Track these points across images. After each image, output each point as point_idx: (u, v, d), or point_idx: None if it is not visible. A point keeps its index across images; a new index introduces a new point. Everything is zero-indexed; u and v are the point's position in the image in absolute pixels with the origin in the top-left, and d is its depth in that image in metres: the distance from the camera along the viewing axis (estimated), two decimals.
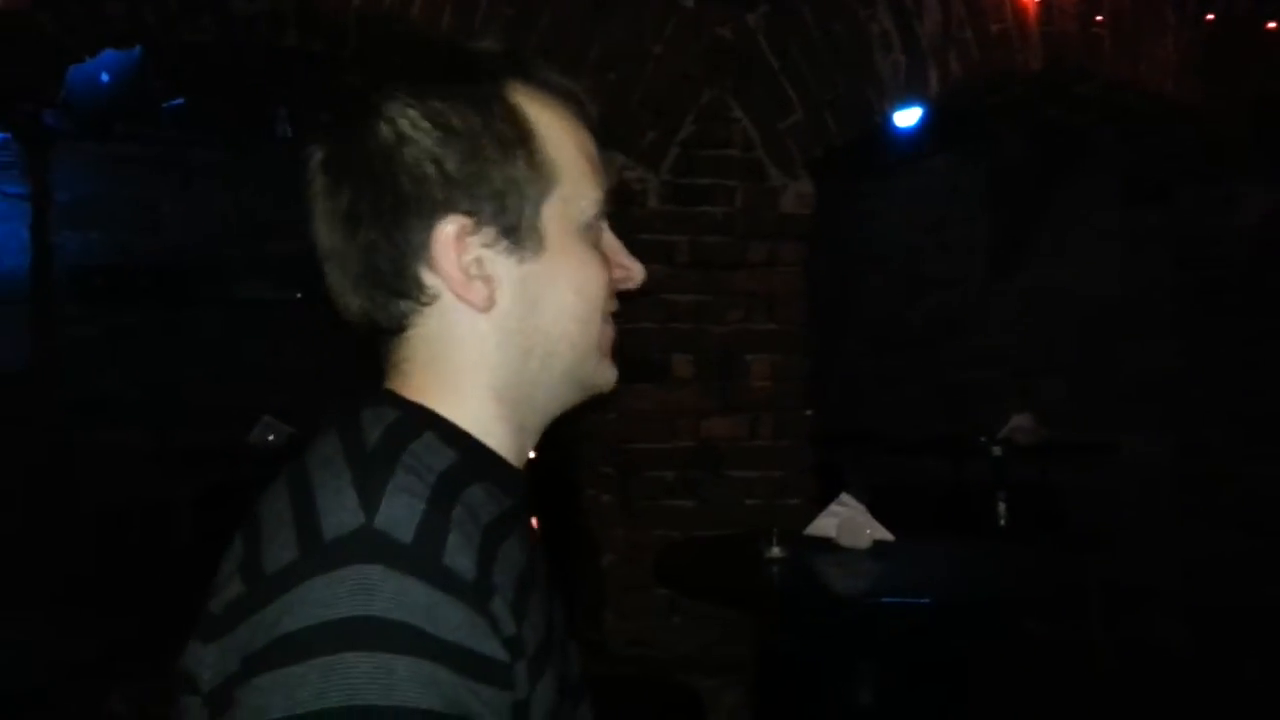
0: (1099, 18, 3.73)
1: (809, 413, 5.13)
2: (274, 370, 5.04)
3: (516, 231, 0.76)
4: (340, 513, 0.67)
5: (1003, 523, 3.96)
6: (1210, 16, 3.90)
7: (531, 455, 0.88)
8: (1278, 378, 4.07)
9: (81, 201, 4.76)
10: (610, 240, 0.84)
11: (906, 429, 5.43)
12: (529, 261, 0.77)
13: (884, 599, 2.51)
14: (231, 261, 5.41)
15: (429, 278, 0.76)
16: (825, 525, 2.78)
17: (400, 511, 0.67)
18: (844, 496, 2.81)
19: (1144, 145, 4.40)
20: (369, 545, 0.65)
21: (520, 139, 0.76)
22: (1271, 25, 3.97)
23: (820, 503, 2.89)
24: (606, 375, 0.84)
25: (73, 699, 2.15)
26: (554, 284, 0.78)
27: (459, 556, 0.66)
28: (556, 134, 0.79)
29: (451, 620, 0.64)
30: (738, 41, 3.32)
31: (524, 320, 0.78)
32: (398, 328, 0.79)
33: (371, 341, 0.81)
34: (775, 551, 2.58)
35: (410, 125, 0.75)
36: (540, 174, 0.77)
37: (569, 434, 3.33)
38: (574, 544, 3.33)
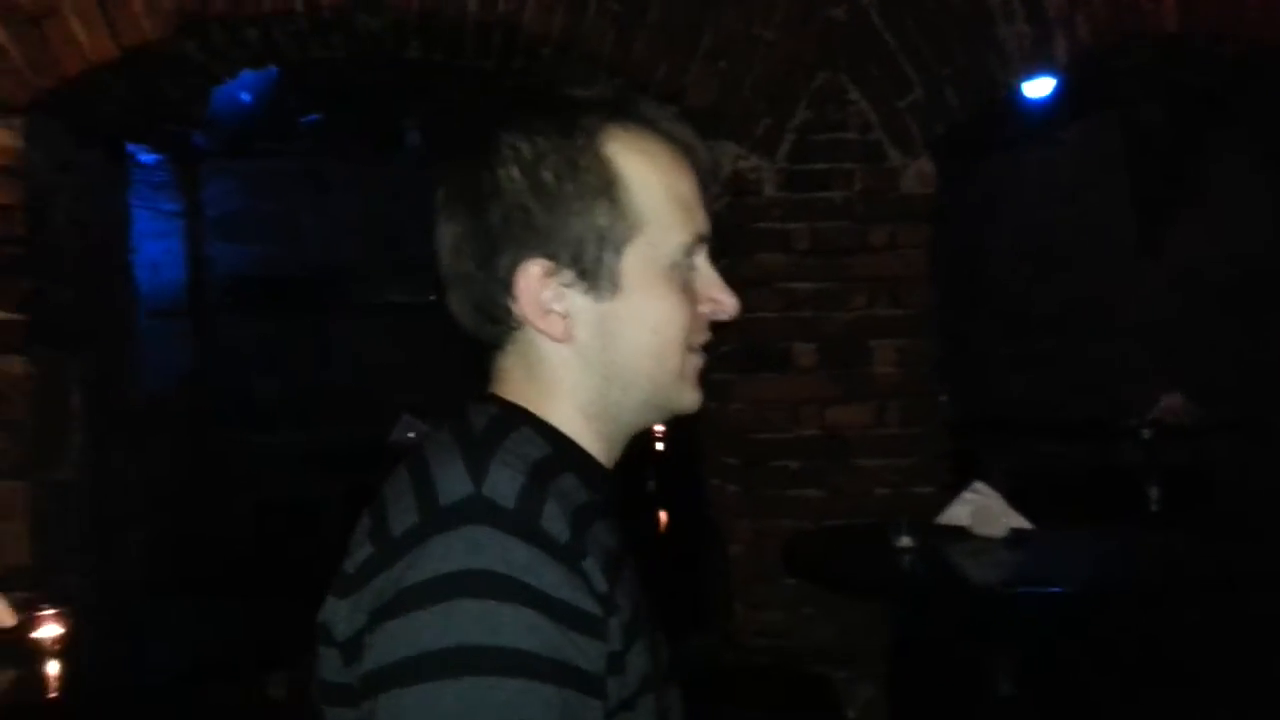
0: None
1: (943, 398, 5.03)
2: (411, 371, 5.23)
3: (594, 274, 0.84)
4: (453, 483, 0.77)
5: (1155, 509, 3.77)
6: None
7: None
8: None
9: (229, 216, 5.06)
10: (706, 275, 0.89)
11: (1046, 413, 5.23)
12: (606, 301, 0.84)
13: (1021, 588, 2.44)
14: (369, 268, 5.65)
15: (515, 308, 0.85)
16: (958, 513, 2.72)
17: (504, 482, 0.77)
18: (977, 484, 2.75)
19: None
20: (478, 509, 0.75)
21: (605, 189, 0.83)
22: None
23: (954, 491, 2.83)
24: (688, 400, 0.90)
25: (232, 686, 2.29)
26: (630, 322, 0.85)
27: (555, 522, 0.76)
28: (647, 181, 0.85)
29: (550, 575, 0.73)
30: (851, 21, 3.25)
31: (603, 353, 0.86)
32: (497, 345, 0.88)
33: (483, 350, 0.91)
34: (905, 540, 2.54)
35: (506, 175, 0.83)
36: (624, 221, 0.84)
37: (692, 426, 3.35)
38: (701, 535, 3.34)
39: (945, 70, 3.30)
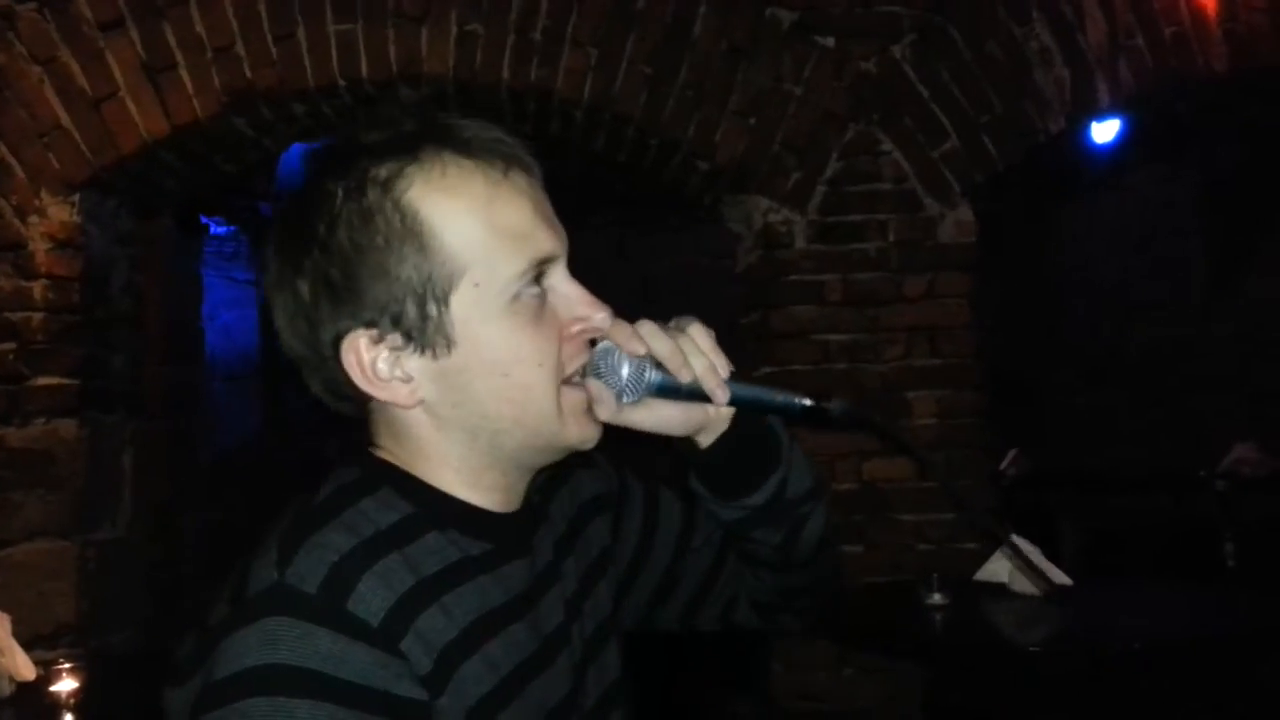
0: None
1: (1014, 453, 4.87)
2: None
3: (422, 332, 0.77)
4: (260, 570, 0.73)
5: (1230, 564, 3.57)
6: None
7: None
8: None
9: None
10: (565, 294, 0.82)
11: (1126, 465, 5.02)
12: (444, 357, 0.78)
13: (1058, 647, 2.33)
14: None
15: (354, 384, 0.79)
16: (996, 570, 2.62)
17: (310, 565, 0.72)
18: (1016, 539, 2.64)
19: None
20: (277, 598, 0.71)
21: (410, 240, 0.76)
22: None
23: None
24: (575, 436, 0.83)
25: None
26: (478, 372, 0.78)
27: (367, 603, 0.71)
28: (458, 221, 0.77)
29: (356, 662, 0.69)
30: (883, 74, 3.25)
31: (458, 408, 0.80)
32: (361, 418, 0.84)
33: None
34: (936, 598, 2.46)
35: (304, 248, 0.77)
36: (441, 269, 0.77)
37: None
38: None
39: (982, 118, 3.27)
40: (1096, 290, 5.75)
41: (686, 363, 0.86)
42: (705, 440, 0.92)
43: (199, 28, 2.94)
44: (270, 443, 4.99)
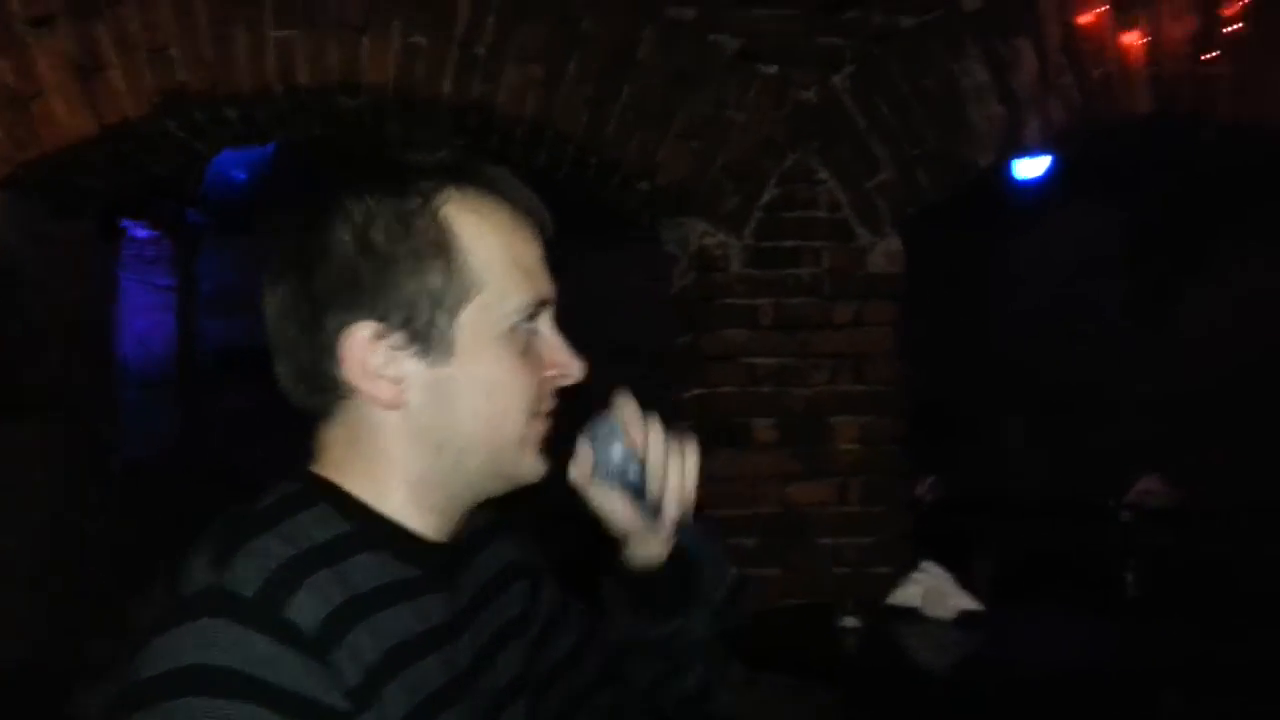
0: (1212, 55, 3.53)
1: (932, 480, 4.98)
2: None
3: (427, 337, 0.81)
4: (198, 572, 0.75)
5: (1132, 592, 3.69)
6: None
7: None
8: None
9: (222, 291, 5.16)
10: (550, 339, 0.88)
11: (1038, 494, 5.15)
12: (440, 365, 0.82)
13: (966, 672, 2.39)
14: None
15: (342, 374, 0.82)
16: (909, 594, 2.68)
17: (248, 570, 0.74)
18: (926, 564, 2.71)
19: None
20: (215, 600, 0.72)
21: (440, 250, 0.81)
22: None
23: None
24: (529, 469, 0.87)
25: None
26: (466, 387, 0.83)
27: (303, 612, 0.73)
28: (484, 243, 0.83)
29: (289, 669, 0.71)
30: (822, 104, 3.32)
31: (436, 419, 0.83)
32: (322, 415, 0.86)
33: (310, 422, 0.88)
34: (849, 622, 2.51)
35: (335, 237, 0.81)
36: (459, 283, 0.82)
37: None
38: None
39: (916, 151, 3.35)
40: (1019, 322, 5.90)
41: (664, 478, 0.93)
42: (636, 552, 0.99)
43: (134, 26, 2.88)
44: (186, 452, 4.90)
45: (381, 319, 0.81)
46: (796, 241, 3.26)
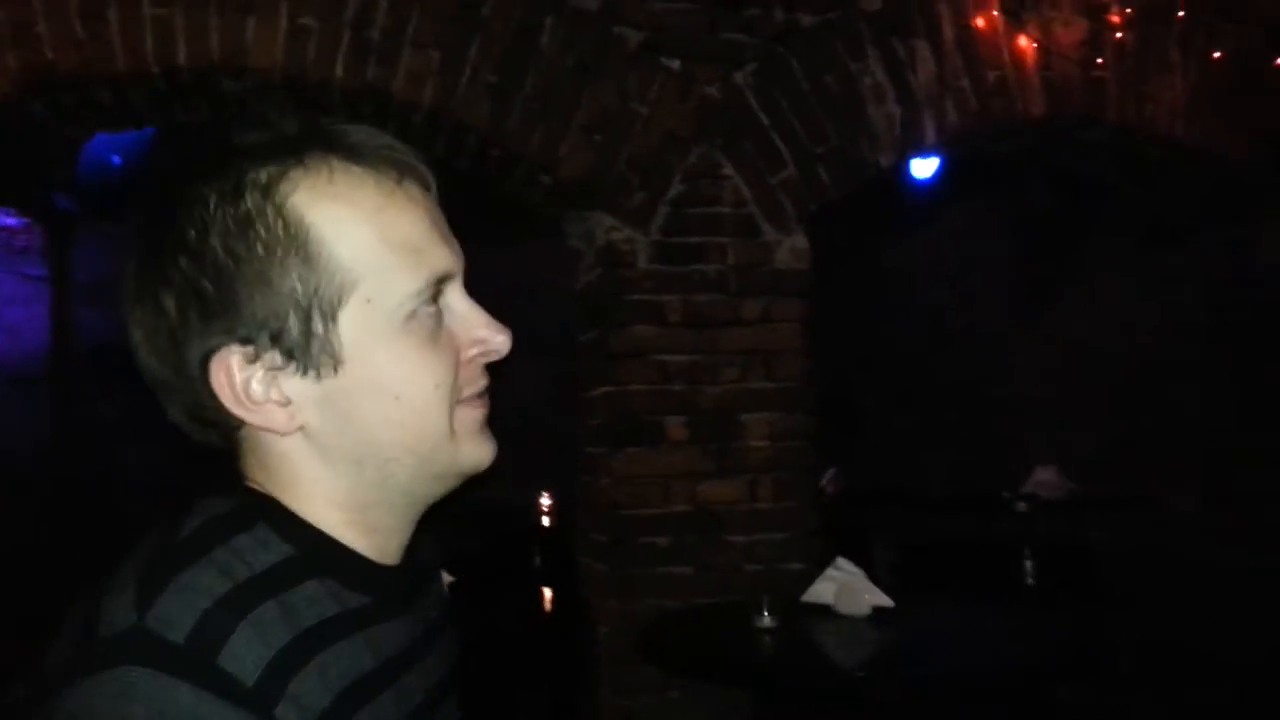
0: (1100, 61, 3.65)
1: (833, 473, 5.03)
2: None
3: (305, 350, 0.71)
4: (118, 609, 0.64)
5: (1030, 582, 3.79)
6: (1218, 55, 3.80)
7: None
8: None
9: (99, 282, 4.86)
10: (464, 314, 0.77)
11: (940, 486, 5.27)
12: (329, 378, 0.72)
13: (879, 670, 2.39)
14: None
15: (224, 408, 0.72)
16: (822, 591, 2.68)
17: (177, 609, 0.63)
18: (841, 561, 2.71)
19: (1163, 188, 4.27)
20: (138, 644, 0.62)
21: (295, 249, 0.70)
22: None
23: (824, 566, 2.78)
24: (471, 458, 0.77)
25: None
26: (367, 395, 0.72)
27: (241, 659, 0.63)
28: (351, 230, 0.71)
29: None
30: (726, 99, 3.29)
31: (342, 435, 0.73)
32: (229, 449, 0.76)
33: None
34: (766, 621, 2.48)
35: (173, 254, 0.70)
36: (330, 282, 0.71)
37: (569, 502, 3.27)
38: (575, 616, 3.24)
39: (818, 149, 3.35)
40: (914, 318, 6.03)
41: None
42: None
43: None
44: (60, 452, 4.60)
45: (246, 340, 0.70)
46: (703, 238, 3.22)
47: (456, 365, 0.76)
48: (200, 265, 0.69)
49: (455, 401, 0.75)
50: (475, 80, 3.06)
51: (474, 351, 0.77)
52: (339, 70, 2.94)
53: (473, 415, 0.77)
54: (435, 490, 0.78)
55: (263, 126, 0.73)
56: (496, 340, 0.78)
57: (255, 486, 0.75)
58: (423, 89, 3.02)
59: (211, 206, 0.70)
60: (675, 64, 3.25)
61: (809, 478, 3.26)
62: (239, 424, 0.73)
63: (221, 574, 0.66)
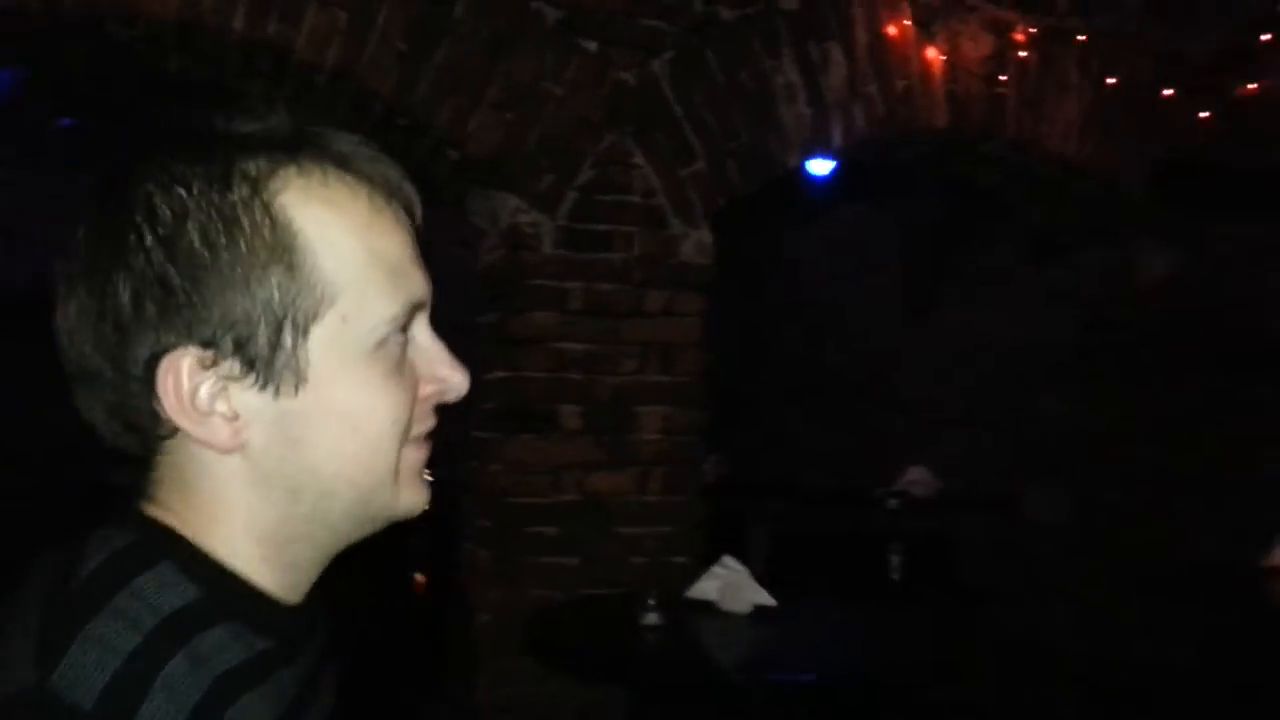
0: (1003, 77, 3.76)
1: (715, 459, 5.10)
2: None
3: (270, 364, 0.65)
4: (15, 667, 0.58)
5: (895, 577, 3.93)
6: (1112, 81, 3.96)
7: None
8: (1181, 439, 4.10)
9: None
10: (427, 349, 0.72)
11: (822, 478, 5.40)
12: (287, 397, 0.66)
13: (757, 670, 2.43)
14: None
15: (163, 412, 0.65)
16: (707, 588, 2.70)
17: (86, 668, 0.57)
18: (726, 558, 2.74)
19: (1050, 204, 4.44)
20: (40, 710, 0.56)
21: (280, 253, 0.65)
22: (1169, 91, 4.04)
23: (711, 559, 2.81)
24: (406, 503, 0.72)
25: None
26: (323, 422, 0.67)
27: None
28: (338, 240, 0.66)
29: None
30: (641, 87, 3.26)
31: (285, 461, 0.67)
32: (144, 458, 0.69)
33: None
34: (651, 618, 2.49)
35: (137, 238, 0.63)
36: (308, 294, 0.65)
37: (453, 485, 3.21)
38: (452, 603, 3.20)
39: (730, 145, 3.36)
40: (805, 312, 6.14)
41: None
42: None
43: None
44: None
45: (207, 344, 0.64)
46: (610, 226, 3.19)
47: (413, 402, 0.71)
48: (170, 253, 0.63)
49: (405, 440, 0.71)
50: (384, 45, 2.94)
51: (431, 389, 0.73)
52: (238, 22, 2.78)
53: (417, 457, 0.73)
54: (362, 530, 0.73)
55: (251, 117, 0.68)
56: (455, 379, 0.73)
57: (154, 512, 0.69)
58: (327, 49, 2.89)
59: (194, 190, 0.64)
60: (592, 45, 3.19)
61: (697, 472, 3.29)
62: (169, 433, 0.67)
63: (129, 626, 0.60)
